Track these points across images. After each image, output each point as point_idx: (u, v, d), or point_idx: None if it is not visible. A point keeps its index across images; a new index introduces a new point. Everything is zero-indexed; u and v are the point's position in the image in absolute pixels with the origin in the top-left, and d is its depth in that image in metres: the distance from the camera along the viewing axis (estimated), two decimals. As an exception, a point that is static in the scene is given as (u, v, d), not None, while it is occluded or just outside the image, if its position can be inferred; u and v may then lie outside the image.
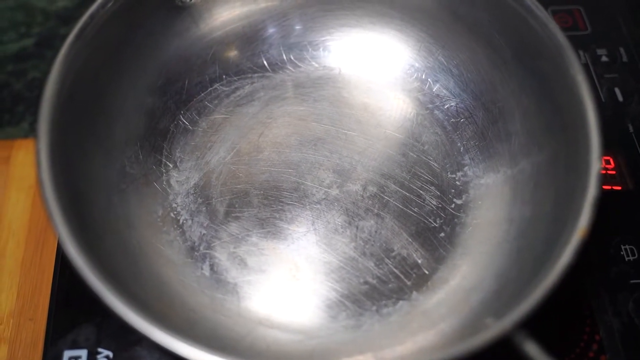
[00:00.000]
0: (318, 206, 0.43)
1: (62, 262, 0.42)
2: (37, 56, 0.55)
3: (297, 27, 0.48)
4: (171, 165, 0.44)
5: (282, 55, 0.48)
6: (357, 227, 0.42)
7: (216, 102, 0.47)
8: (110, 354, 0.39)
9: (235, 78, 0.47)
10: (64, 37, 0.37)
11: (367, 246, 0.41)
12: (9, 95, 0.53)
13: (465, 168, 0.44)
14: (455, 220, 0.43)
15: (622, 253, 0.43)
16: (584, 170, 0.34)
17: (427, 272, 0.41)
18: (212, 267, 0.41)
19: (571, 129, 0.37)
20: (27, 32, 0.57)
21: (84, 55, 0.38)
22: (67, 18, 0.57)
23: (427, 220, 0.42)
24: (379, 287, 0.40)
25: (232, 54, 0.47)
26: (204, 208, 0.43)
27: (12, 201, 0.48)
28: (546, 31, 0.38)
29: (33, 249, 0.46)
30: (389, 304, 0.39)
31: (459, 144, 0.45)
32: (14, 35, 0.56)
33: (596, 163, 0.34)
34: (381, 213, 0.43)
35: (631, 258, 0.43)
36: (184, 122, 0.45)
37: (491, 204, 0.42)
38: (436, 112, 0.47)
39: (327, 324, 0.39)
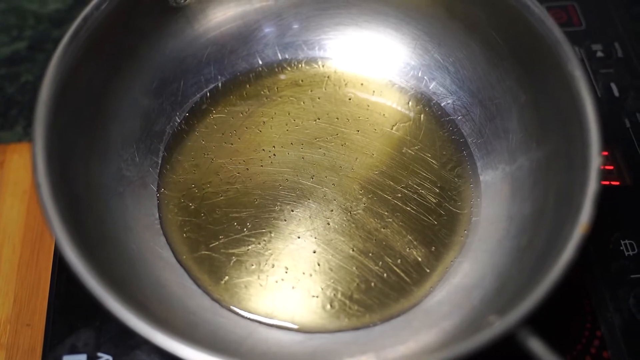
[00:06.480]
0: (316, 205, 0.43)
1: (59, 266, 0.42)
2: (30, 59, 0.55)
3: (292, 27, 0.48)
4: (168, 167, 0.44)
5: (277, 54, 0.48)
6: (356, 226, 0.42)
7: (212, 102, 0.46)
8: (110, 359, 0.39)
9: (230, 78, 0.47)
10: (56, 40, 0.37)
11: (366, 244, 0.41)
12: (1, 99, 0.53)
13: (463, 165, 0.44)
14: (454, 217, 0.42)
15: (621, 248, 0.43)
16: (584, 165, 0.34)
17: (427, 270, 0.40)
18: (211, 268, 0.40)
19: (570, 124, 0.37)
20: (19, 35, 0.56)
21: (79, 58, 0.38)
22: (59, 21, 0.57)
23: (426, 217, 0.42)
24: (379, 285, 0.40)
25: (227, 54, 0.47)
26: (202, 209, 0.42)
27: (6, 206, 0.47)
28: (543, 27, 0.38)
29: (29, 254, 0.46)
30: (390, 303, 0.39)
31: (456, 141, 0.45)
32: (6, 38, 0.56)
33: (596, 158, 0.34)
34: (380, 211, 0.42)
35: (631, 253, 0.43)
36: (179, 124, 0.45)
37: (490, 201, 0.42)
38: (433, 109, 0.46)
39: (328, 324, 0.39)
